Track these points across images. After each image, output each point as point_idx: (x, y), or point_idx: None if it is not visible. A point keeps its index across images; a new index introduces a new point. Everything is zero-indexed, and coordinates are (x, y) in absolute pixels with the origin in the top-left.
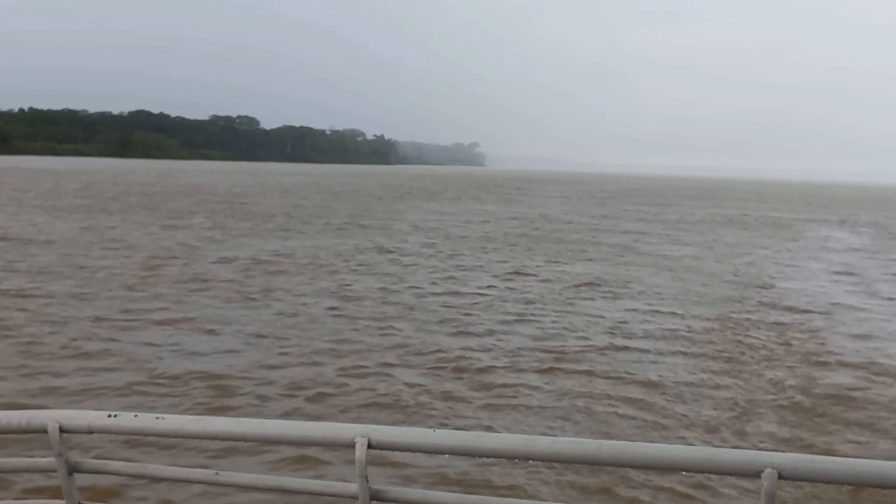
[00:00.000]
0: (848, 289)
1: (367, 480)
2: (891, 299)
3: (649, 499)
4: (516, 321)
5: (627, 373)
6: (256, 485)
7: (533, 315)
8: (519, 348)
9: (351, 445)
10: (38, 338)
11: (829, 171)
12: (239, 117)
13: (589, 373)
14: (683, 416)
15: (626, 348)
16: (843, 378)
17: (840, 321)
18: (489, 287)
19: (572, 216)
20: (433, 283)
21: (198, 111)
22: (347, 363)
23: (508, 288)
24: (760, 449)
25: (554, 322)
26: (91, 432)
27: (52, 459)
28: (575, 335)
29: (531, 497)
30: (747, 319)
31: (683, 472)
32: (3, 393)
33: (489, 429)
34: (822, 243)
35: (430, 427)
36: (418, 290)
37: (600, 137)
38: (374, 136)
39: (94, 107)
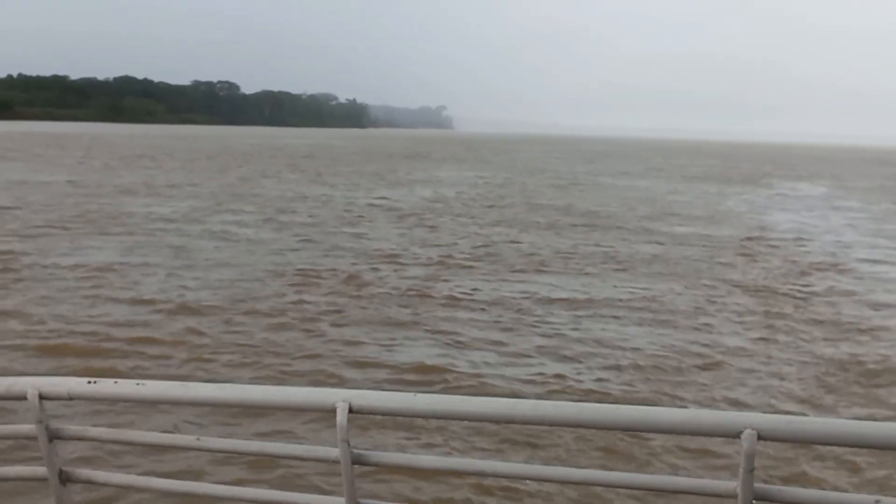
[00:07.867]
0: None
1: (349, 445)
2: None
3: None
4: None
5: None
6: (239, 449)
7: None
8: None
9: (332, 410)
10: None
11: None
12: (219, 83)
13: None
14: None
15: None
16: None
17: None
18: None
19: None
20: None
21: (178, 76)
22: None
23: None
24: (741, 410)
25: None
26: (71, 399)
27: (33, 426)
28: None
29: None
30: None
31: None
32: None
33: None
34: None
35: (412, 392)
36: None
37: (557, 99)
38: (347, 99)
39: (74, 69)
